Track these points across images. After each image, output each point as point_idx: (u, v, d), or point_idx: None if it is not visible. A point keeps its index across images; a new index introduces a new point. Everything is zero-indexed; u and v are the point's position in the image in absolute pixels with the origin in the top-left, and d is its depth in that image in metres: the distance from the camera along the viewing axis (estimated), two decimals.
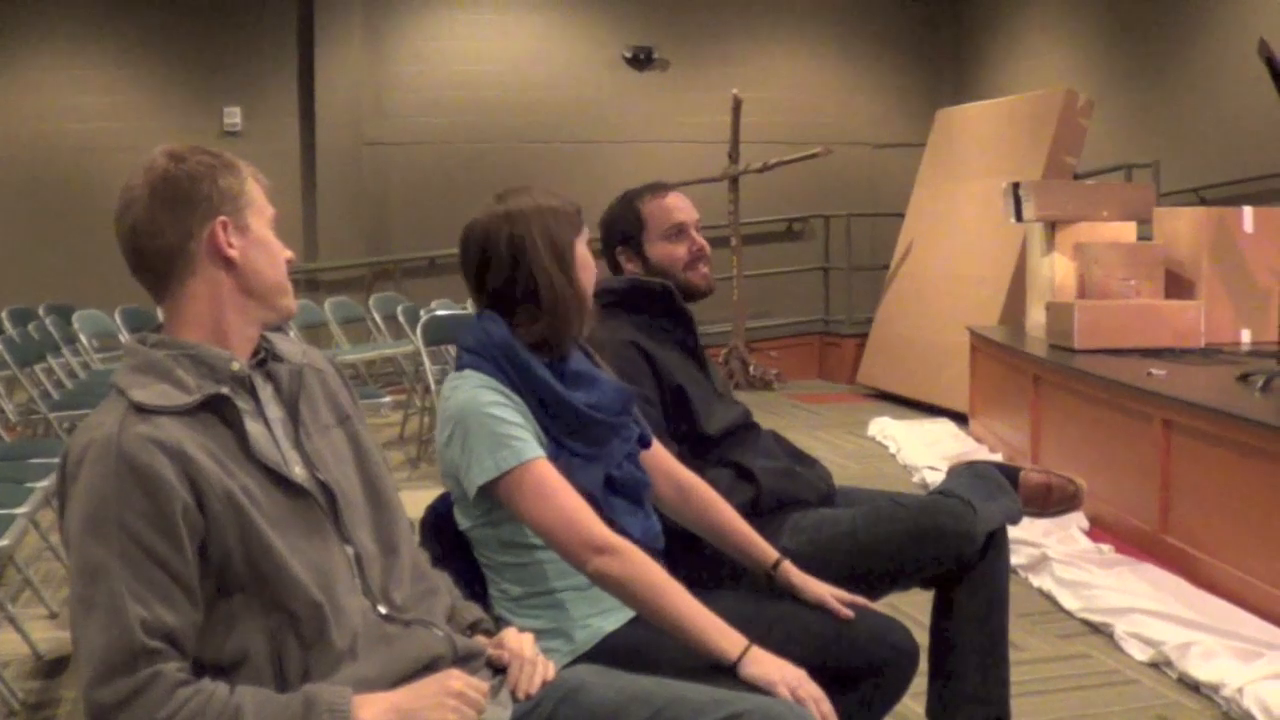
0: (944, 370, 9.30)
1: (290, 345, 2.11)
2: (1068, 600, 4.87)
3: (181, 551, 1.78)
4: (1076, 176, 9.39)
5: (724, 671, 2.24)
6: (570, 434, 2.42)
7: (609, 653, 2.36)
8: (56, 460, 4.98)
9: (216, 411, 1.90)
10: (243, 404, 1.93)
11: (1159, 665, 4.21)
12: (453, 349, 7.27)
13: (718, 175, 11.54)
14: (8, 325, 8.54)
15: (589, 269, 2.52)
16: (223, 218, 1.94)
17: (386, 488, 2.12)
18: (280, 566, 1.85)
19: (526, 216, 2.44)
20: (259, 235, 1.99)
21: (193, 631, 1.80)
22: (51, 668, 4.36)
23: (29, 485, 4.48)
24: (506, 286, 2.44)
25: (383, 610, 1.99)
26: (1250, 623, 4.43)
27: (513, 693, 2.06)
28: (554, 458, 2.39)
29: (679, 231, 3.15)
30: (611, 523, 2.41)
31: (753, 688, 2.18)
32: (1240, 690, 3.81)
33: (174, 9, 12.46)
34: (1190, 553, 5.05)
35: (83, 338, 8.70)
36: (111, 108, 12.35)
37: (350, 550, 1.99)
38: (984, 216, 9.24)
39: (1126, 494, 5.62)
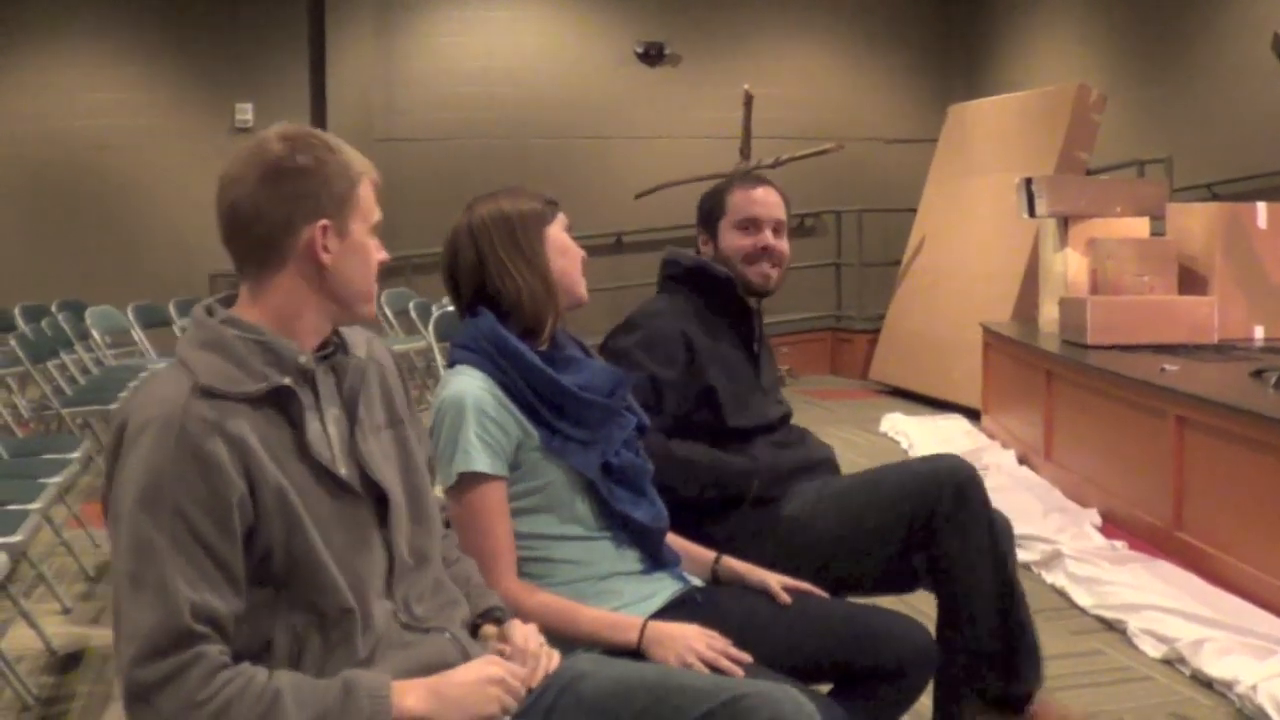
0: (956, 366, 9.29)
1: (357, 336, 2.07)
2: (1081, 597, 4.87)
3: (232, 541, 1.77)
4: (1089, 172, 9.37)
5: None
6: (564, 417, 2.44)
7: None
8: (70, 456, 5.01)
9: (278, 403, 1.87)
10: (304, 398, 1.90)
11: (1172, 662, 4.20)
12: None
13: (729, 171, 11.51)
14: (21, 321, 8.56)
15: (565, 254, 2.57)
16: (324, 221, 1.91)
17: (427, 499, 2.09)
18: (319, 568, 1.84)
19: (486, 223, 2.52)
20: (357, 241, 1.96)
21: (233, 621, 1.79)
22: (65, 663, 4.37)
23: (42, 481, 4.50)
24: (480, 290, 2.52)
25: (403, 619, 1.97)
26: (1264, 620, 4.42)
27: None
28: (548, 443, 2.42)
29: (751, 224, 3.16)
30: (614, 510, 2.46)
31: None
32: (1254, 687, 3.80)
33: (185, 5, 12.47)
34: (1204, 549, 5.03)
35: (95, 334, 8.72)
36: (123, 104, 12.37)
37: (389, 556, 1.97)
38: (996, 212, 9.23)
39: (1139, 490, 5.61)
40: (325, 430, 1.92)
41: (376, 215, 1.99)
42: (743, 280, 3.15)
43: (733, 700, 1.99)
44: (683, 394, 3.01)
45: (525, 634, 2.14)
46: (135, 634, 1.72)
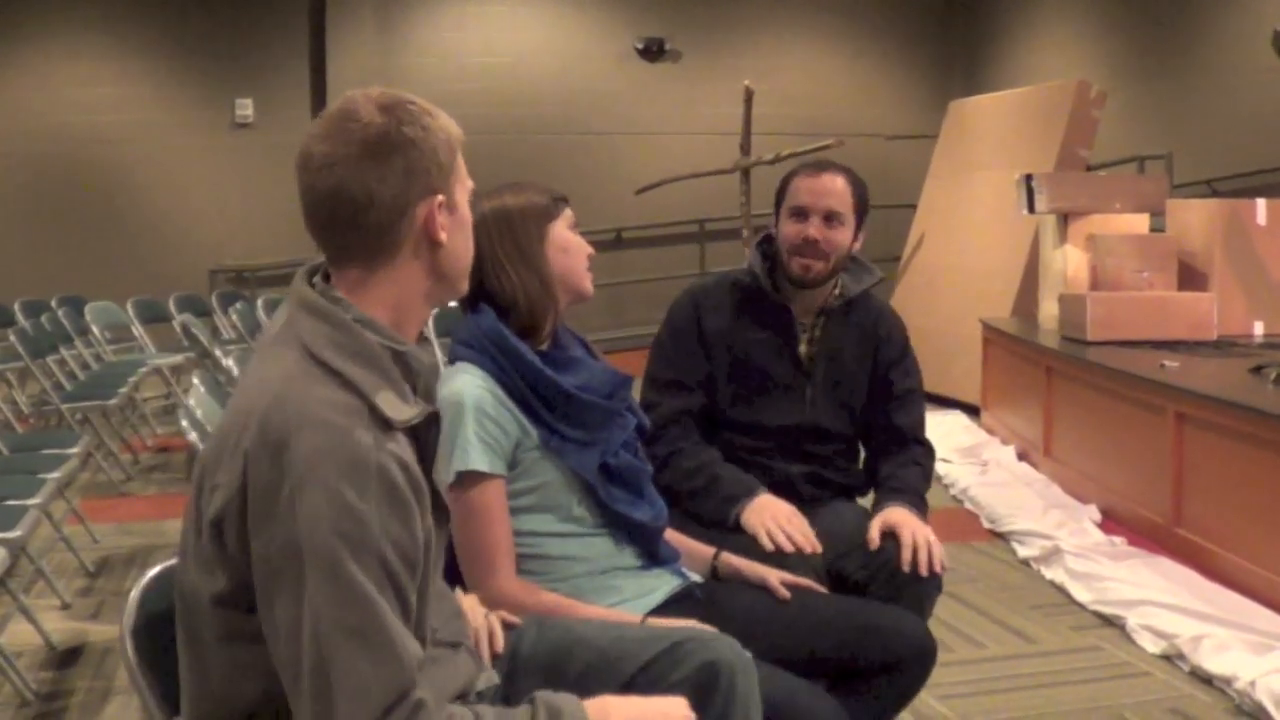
0: (956, 362, 9.28)
1: None
2: (1080, 593, 4.87)
3: (416, 583, 1.64)
4: (1089, 168, 9.37)
5: None
6: (562, 418, 2.43)
7: None
8: (69, 451, 5.00)
9: (417, 426, 1.70)
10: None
11: (1171, 658, 4.20)
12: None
13: (729, 167, 11.52)
14: (20, 317, 8.57)
15: (568, 251, 2.53)
16: (440, 196, 1.72)
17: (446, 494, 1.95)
18: (424, 610, 1.70)
19: (487, 218, 2.49)
20: (463, 213, 1.79)
21: None
22: (64, 658, 4.37)
23: (42, 476, 4.50)
24: (480, 288, 2.48)
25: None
26: (1263, 615, 4.43)
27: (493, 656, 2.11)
28: (546, 442, 2.41)
29: (799, 213, 3.09)
30: (611, 510, 2.46)
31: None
32: (1253, 683, 3.80)
33: (186, 0, 12.46)
34: (1203, 545, 5.04)
35: (95, 329, 8.73)
36: (122, 100, 12.36)
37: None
38: (996, 208, 9.22)
39: (1139, 486, 5.61)
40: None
41: (470, 183, 1.82)
42: (785, 269, 3.11)
43: (671, 647, 2.02)
44: (689, 362, 3.06)
45: (469, 604, 2.16)
46: (363, 692, 1.54)
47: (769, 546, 2.79)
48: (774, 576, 2.63)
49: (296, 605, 1.55)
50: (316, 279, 1.76)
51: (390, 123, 1.69)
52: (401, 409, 1.65)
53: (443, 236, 1.73)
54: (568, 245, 2.53)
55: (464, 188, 1.80)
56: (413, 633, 1.62)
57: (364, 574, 1.55)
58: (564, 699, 1.75)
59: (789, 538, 2.80)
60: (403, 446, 1.64)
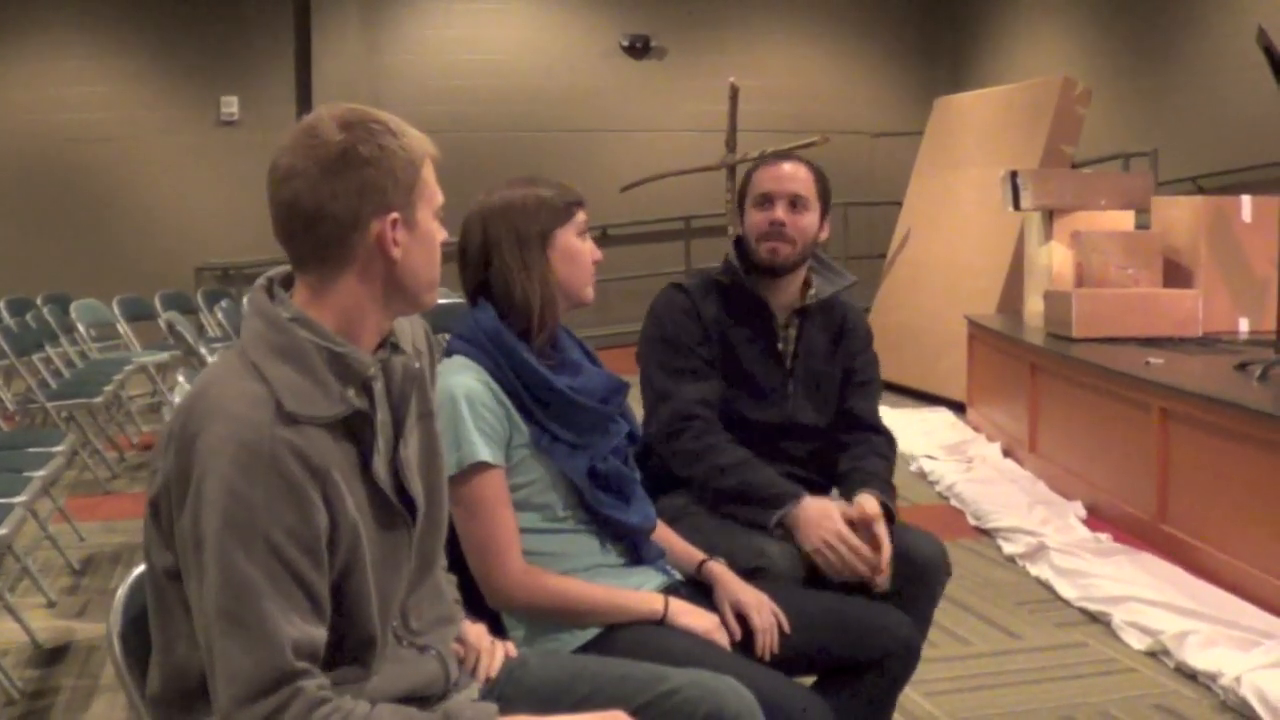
0: (941, 359, 9.30)
1: (405, 326, 1.95)
2: (1065, 589, 4.88)
3: (321, 571, 1.69)
4: (1074, 165, 9.38)
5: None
6: (555, 419, 2.43)
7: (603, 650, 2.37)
8: (55, 449, 4.98)
9: (349, 423, 1.76)
10: (371, 417, 1.79)
11: (1157, 654, 4.21)
12: (447, 337, 7.32)
13: (715, 164, 11.52)
14: (5, 315, 8.55)
15: (573, 260, 2.50)
16: (394, 214, 1.77)
17: (442, 500, 1.97)
18: (362, 602, 1.76)
19: (496, 214, 2.46)
20: (424, 230, 1.82)
21: (324, 647, 1.71)
22: (50, 656, 4.36)
23: (27, 474, 4.48)
24: (482, 282, 2.48)
25: (398, 632, 1.89)
26: (1248, 611, 4.44)
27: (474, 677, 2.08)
28: (537, 441, 2.41)
29: (764, 200, 3.07)
30: (597, 513, 2.46)
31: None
32: (1238, 679, 3.81)
33: None
34: (1188, 541, 5.05)
35: (80, 327, 8.70)
36: (108, 98, 12.33)
37: (410, 569, 1.88)
38: (982, 205, 9.23)
39: (1124, 483, 5.62)
40: (378, 444, 1.81)
41: (440, 198, 1.85)
42: (754, 257, 3.09)
43: (672, 691, 2.01)
44: (698, 348, 3.04)
45: (477, 632, 2.15)
46: (234, 676, 1.62)
47: (835, 572, 2.74)
48: (719, 630, 2.49)
49: (199, 587, 1.65)
50: (275, 284, 1.83)
51: (347, 141, 1.74)
52: (312, 404, 1.71)
53: (396, 253, 1.78)
54: (573, 254, 2.50)
55: (429, 204, 1.83)
56: (320, 621, 1.69)
57: (248, 559, 1.62)
58: (478, 708, 1.78)
59: (847, 561, 2.73)
60: (312, 439, 1.70)
